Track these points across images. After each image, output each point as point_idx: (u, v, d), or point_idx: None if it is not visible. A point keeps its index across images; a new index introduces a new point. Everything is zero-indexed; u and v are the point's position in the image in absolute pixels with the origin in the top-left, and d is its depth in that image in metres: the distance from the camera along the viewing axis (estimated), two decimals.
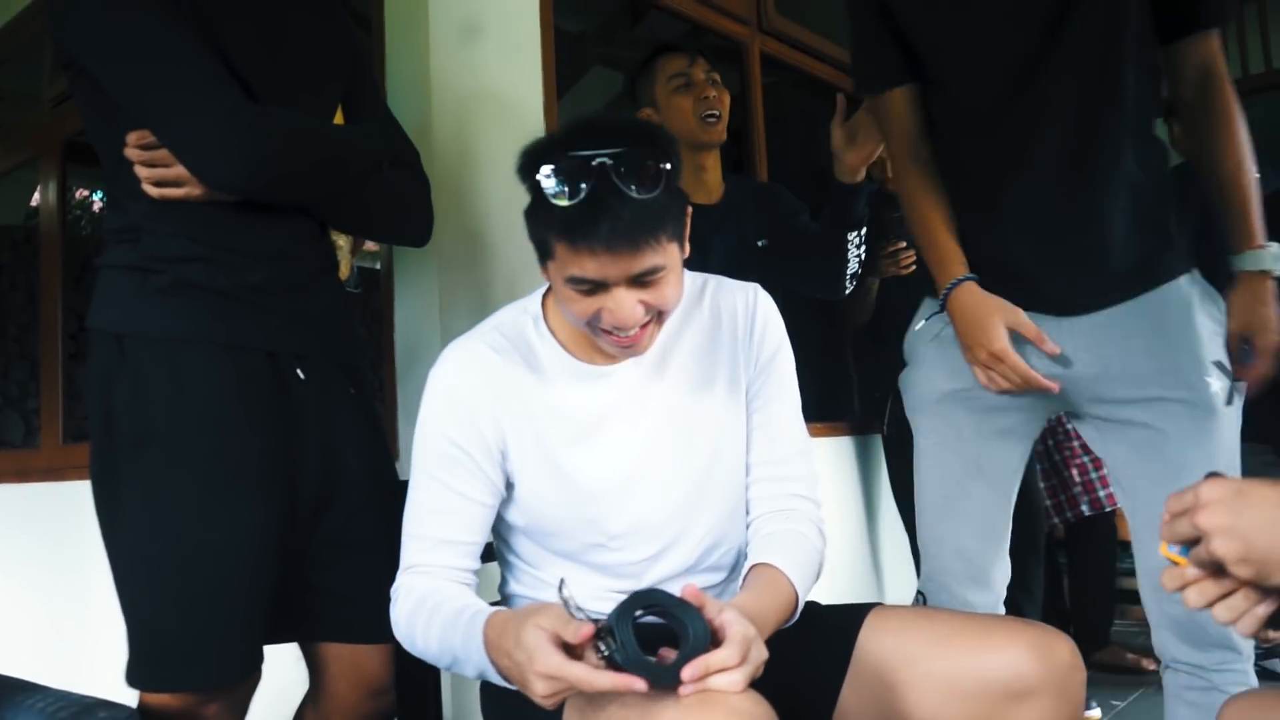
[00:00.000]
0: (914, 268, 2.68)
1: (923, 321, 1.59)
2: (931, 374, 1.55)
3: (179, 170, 1.25)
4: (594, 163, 1.05)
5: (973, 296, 1.41)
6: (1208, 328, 1.40)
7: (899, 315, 2.79)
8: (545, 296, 1.31)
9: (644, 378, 1.28)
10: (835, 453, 3.10)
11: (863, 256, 2.09)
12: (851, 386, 3.45)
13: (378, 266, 2.28)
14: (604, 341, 1.18)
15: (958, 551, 1.54)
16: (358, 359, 1.50)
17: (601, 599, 1.23)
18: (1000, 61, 1.40)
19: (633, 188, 1.05)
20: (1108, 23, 1.36)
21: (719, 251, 2.00)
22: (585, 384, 1.26)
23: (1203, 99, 1.40)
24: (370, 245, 2.25)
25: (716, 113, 1.98)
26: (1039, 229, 1.42)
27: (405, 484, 1.37)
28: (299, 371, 1.36)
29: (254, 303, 1.32)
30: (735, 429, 1.30)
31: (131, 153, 1.26)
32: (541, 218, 1.11)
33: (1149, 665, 3.15)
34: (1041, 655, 1.11)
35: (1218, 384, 1.37)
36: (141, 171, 1.27)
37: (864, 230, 2.03)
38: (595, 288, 1.10)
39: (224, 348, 1.29)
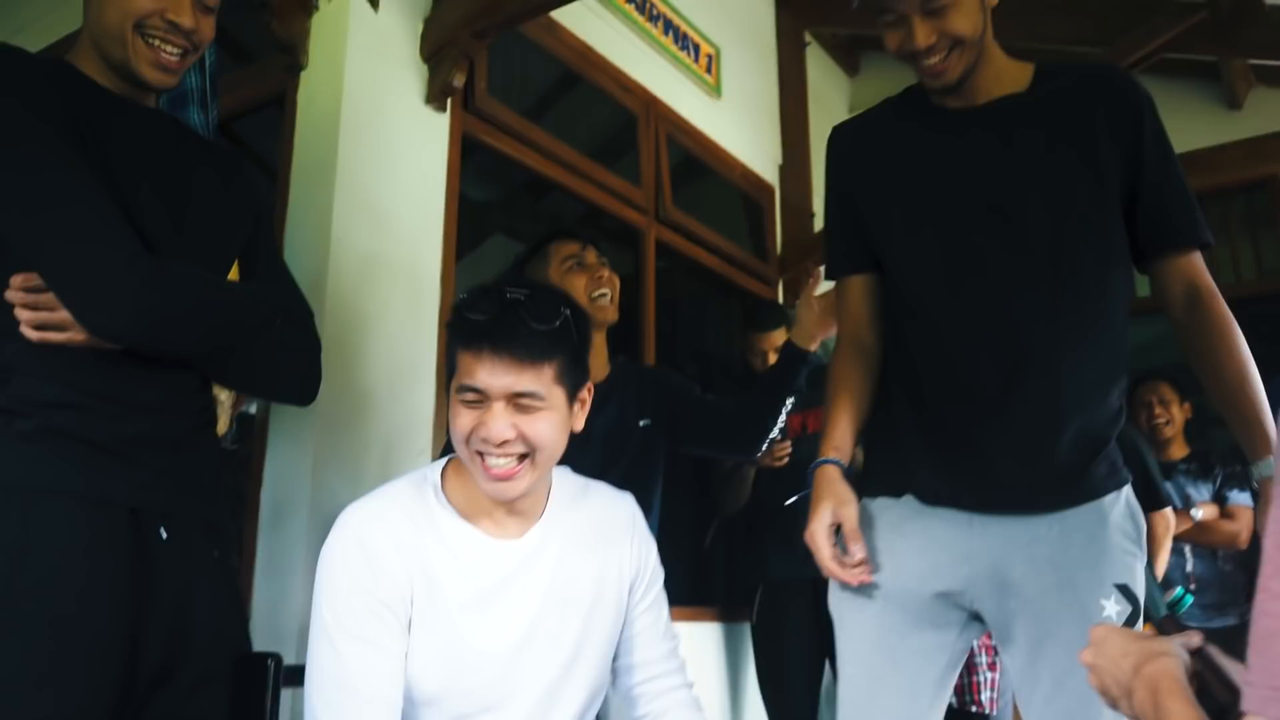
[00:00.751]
0: (787, 460, 2.76)
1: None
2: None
3: (63, 315, 1.20)
4: (508, 295, 1.22)
5: (823, 479, 1.43)
6: (1120, 547, 1.37)
7: (772, 505, 2.88)
8: (445, 469, 1.32)
9: (533, 557, 1.29)
10: (701, 639, 3.07)
11: (781, 423, 2.17)
12: (720, 572, 3.46)
13: (253, 411, 2.21)
14: (480, 474, 1.22)
15: None
16: (225, 520, 1.43)
17: None
18: (945, 268, 1.43)
19: (533, 320, 1.19)
20: (1073, 239, 1.37)
21: (600, 429, 2.02)
22: (481, 555, 1.26)
23: (1192, 317, 1.40)
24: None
25: (607, 293, 2.04)
26: (970, 433, 1.41)
27: (258, 655, 1.30)
28: (162, 530, 1.29)
29: (125, 455, 1.26)
30: (609, 622, 1.35)
31: (14, 295, 1.21)
32: (454, 331, 1.23)
33: None
34: None
35: (1114, 608, 1.34)
36: (22, 314, 1.21)
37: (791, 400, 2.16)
38: (478, 400, 1.19)
39: (85, 501, 1.21)
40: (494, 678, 1.25)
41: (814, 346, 2.08)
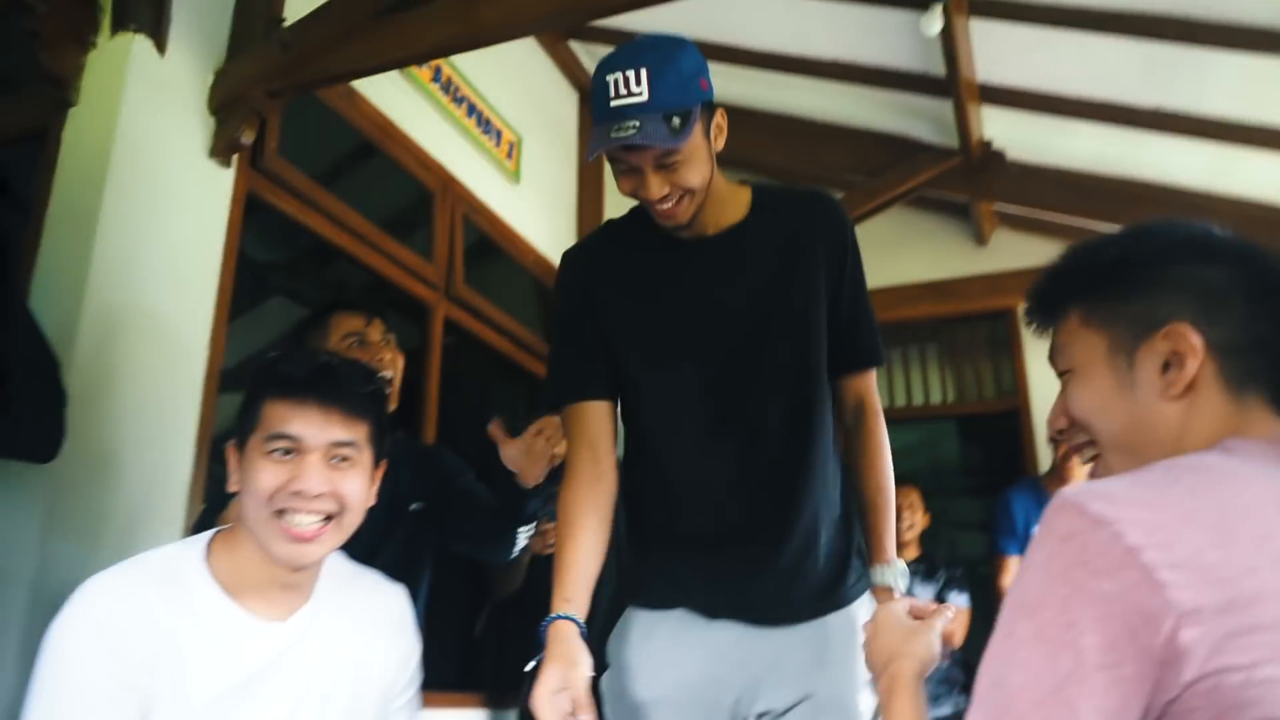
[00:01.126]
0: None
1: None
2: (633, 682, 1.51)
3: None
4: (323, 360, 1.25)
5: (554, 636, 1.35)
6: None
7: (547, 591, 2.86)
8: (211, 542, 1.24)
9: (298, 643, 1.23)
10: None
11: (532, 534, 2.11)
12: (489, 657, 3.38)
13: None
14: (278, 536, 1.17)
15: None
16: None
17: None
18: (704, 402, 1.46)
19: (353, 380, 1.24)
20: (801, 361, 1.47)
21: (371, 511, 1.95)
22: (243, 638, 1.19)
23: (858, 425, 1.54)
24: None
25: (388, 375, 1.98)
26: (728, 554, 1.47)
27: None
28: None
29: None
30: (364, 715, 1.31)
31: None
32: (267, 383, 1.20)
33: None
34: None
35: (865, 702, 1.44)
36: None
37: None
38: (290, 451, 1.17)
39: None
40: None
41: (535, 483, 1.97)
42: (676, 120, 1.33)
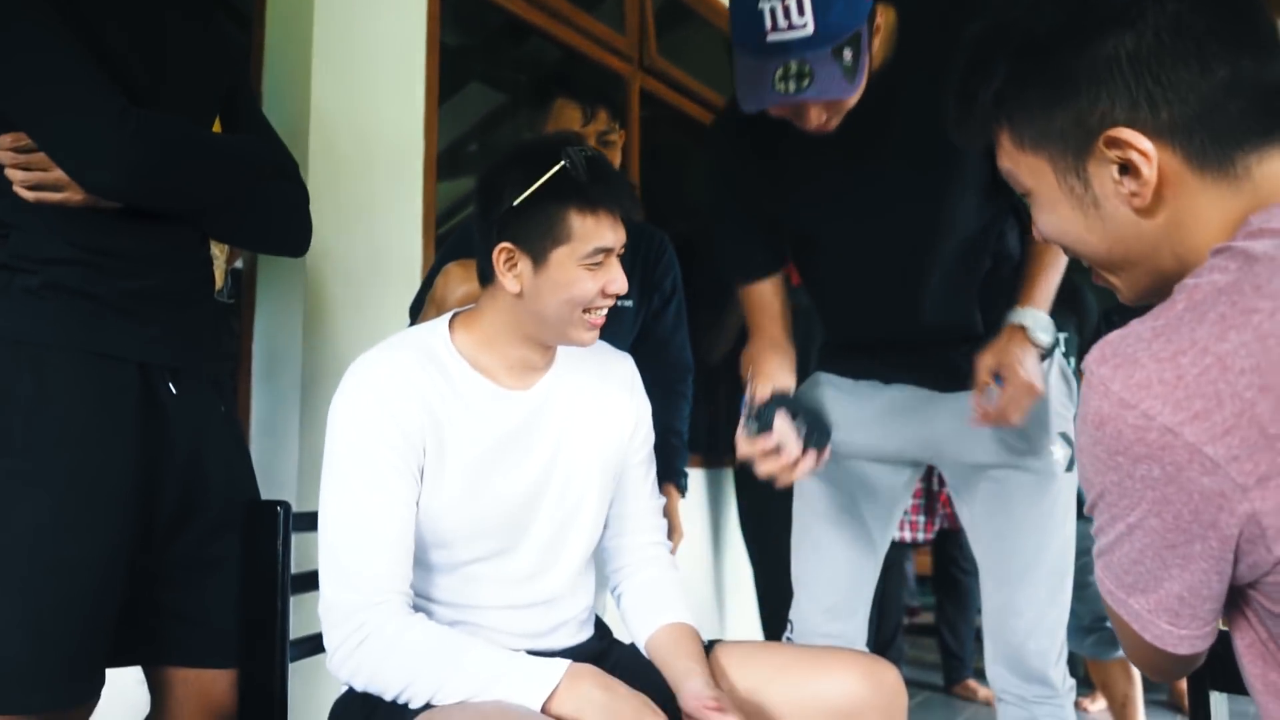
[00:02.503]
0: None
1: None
2: None
3: (58, 174, 1.19)
4: (589, 154, 1.24)
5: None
6: (1059, 403, 1.55)
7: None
8: (451, 324, 1.33)
9: (542, 407, 1.34)
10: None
11: None
12: (703, 418, 3.55)
13: (239, 265, 2.20)
14: (581, 328, 1.28)
15: (829, 587, 1.66)
16: (226, 374, 1.46)
17: (496, 608, 1.30)
18: (865, 240, 1.48)
19: (627, 188, 1.26)
20: (965, 191, 1.43)
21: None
22: (494, 406, 1.30)
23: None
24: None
25: None
26: (904, 333, 1.57)
27: (268, 503, 1.35)
28: (171, 386, 1.31)
29: (131, 311, 1.27)
30: (610, 470, 1.41)
31: (4, 156, 1.19)
32: (559, 196, 1.21)
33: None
34: (870, 681, 1.26)
35: (1060, 452, 1.52)
36: (15, 175, 1.19)
37: None
38: (604, 257, 1.24)
39: (94, 356, 1.23)
40: (506, 523, 1.31)
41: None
42: (848, 54, 1.18)
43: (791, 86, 1.17)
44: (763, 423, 1.34)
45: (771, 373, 1.48)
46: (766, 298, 1.57)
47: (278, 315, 2.10)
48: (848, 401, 1.63)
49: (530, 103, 2.04)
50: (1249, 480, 0.63)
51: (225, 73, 1.47)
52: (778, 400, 1.35)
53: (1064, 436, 1.55)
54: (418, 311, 1.82)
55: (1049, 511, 1.54)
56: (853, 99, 1.27)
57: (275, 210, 1.46)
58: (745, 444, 1.36)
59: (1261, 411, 0.62)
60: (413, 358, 1.27)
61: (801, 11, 1.15)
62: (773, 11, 1.16)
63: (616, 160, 2.03)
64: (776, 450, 1.33)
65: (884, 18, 1.30)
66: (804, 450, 1.33)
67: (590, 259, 1.23)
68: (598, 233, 1.23)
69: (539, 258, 1.23)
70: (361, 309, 2.17)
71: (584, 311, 1.27)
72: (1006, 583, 1.56)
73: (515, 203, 1.22)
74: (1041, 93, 0.77)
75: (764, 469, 1.34)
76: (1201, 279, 0.69)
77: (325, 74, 2.11)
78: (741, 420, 1.38)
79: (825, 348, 1.73)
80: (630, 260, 2.08)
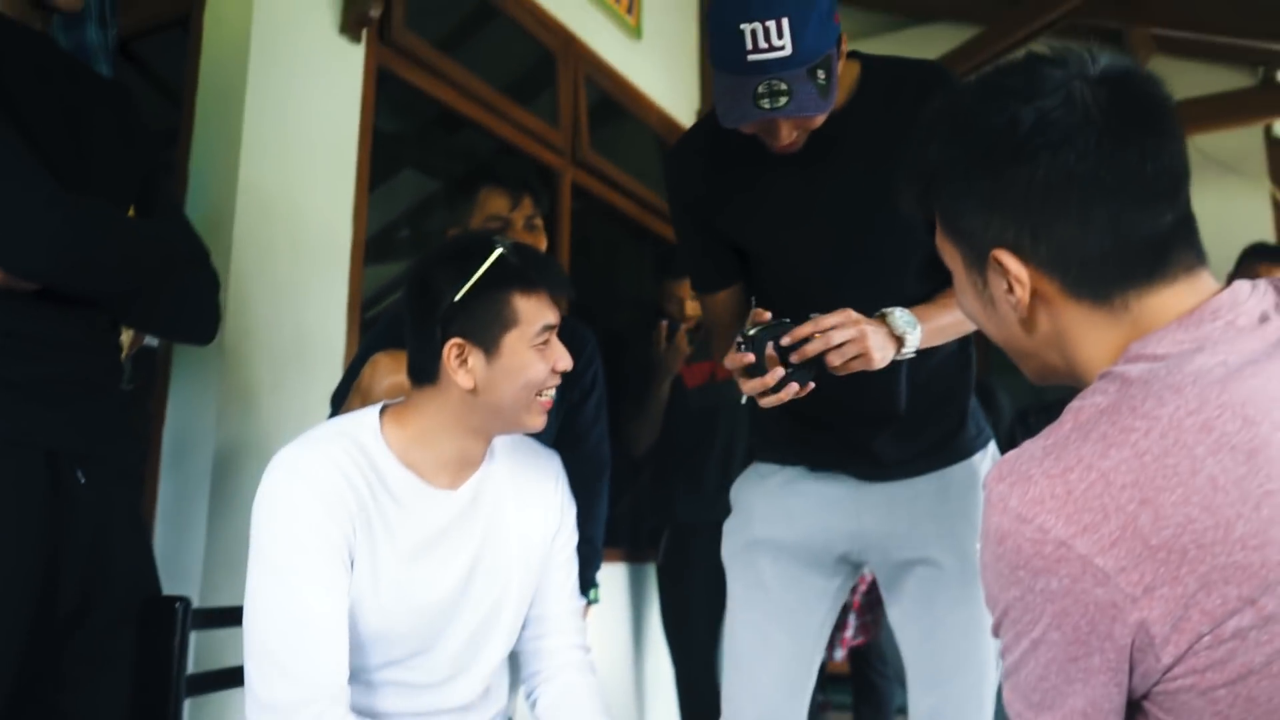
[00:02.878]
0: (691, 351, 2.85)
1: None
2: (748, 522, 1.63)
3: None
4: (516, 242, 1.30)
5: None
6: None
7: (682, 447, 2.93)
8: (382, 418, 1.30)
9: (470, 507, 1.32)
10: (607, 579, 3.13)
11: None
12: (626, 512, 3.52)
13: (155, 345, 2.14)
14: (535, 412, 1.28)
15: (756, 702, 1.59)
16: (136, 463, 1.41)
17: (403, 718, 1.26)
18: (818, 274, 1.49)
19: (559, 270, 1.33)
20: (909, 238, 1.42)
21: None
22: (423, 504, 1.28)
23: None
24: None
25: None
26: (851, 411, 1.52)
27: (167, 598, 1.28)
28: (79, 474, 1.26)
29: (42, 396, 1.23)
30: (531, 571, 1.39)
31: None
32: (501, 283, 1.24)
33: None
34: None
35: None
36: None
37: None
38: (549, 335, 1.27)
39: (2, 443, 1.19)
40: (428, 623, 1.27)
41: None
42: (821, 74, 1.26)
43: (772, 104, 1.24)
44: (751, 345, 1.32)
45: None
46: (721, 306, 1.62)
47: (191, 400, 2.04)
48: (779, 495, 1.62)
49: (456, 193, 2.06)
50: (1137, 590, 0.66)
51: (144, 158, 1.47)
52: (772, 328, 1.32)
53: None
54: (341, 400, 1.78)
55: (977, 614, 1.51)
56: (820, 118, 1.34)
57: (188, 297, 1.46)
58: (730, 358, 1.35)
59: (1143, 524, 0.66)
60: (342, 451, 1.24)
61: (780, 34, 1.22)
62: (753, 33, 1.23)
63: (542, 246, 2.04)
64: (760, 371, 1.31)
65: (847, 69, 1.42)
66: (786, 379, 1.31)
67: (539, 339, 1.26)
68: (542, 312, 1.26)
69: (490, 347, 1.23)
70: (281, 395, 2.12)
71: (537, 394, 1.28)
72: (935, 685, 1.53)
73: (458, 297, 1.22)
74: (955, 197, 0.82)
75: (746, 387, 1.33)
76: (1086, 401, 0.74)
77: (255, 154, 2.09)
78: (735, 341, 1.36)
79: (755, 436, 1.73)
80: None
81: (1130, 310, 0.77)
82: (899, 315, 1.37)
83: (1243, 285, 0.77)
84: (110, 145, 1.39)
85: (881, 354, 1.33)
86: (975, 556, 1.48)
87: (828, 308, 1.43)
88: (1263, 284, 0.78)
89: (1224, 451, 0.66)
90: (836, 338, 1.29)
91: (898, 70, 1.47)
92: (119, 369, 1.40)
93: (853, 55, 1.45)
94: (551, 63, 3.23)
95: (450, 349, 1.22)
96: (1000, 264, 0.78)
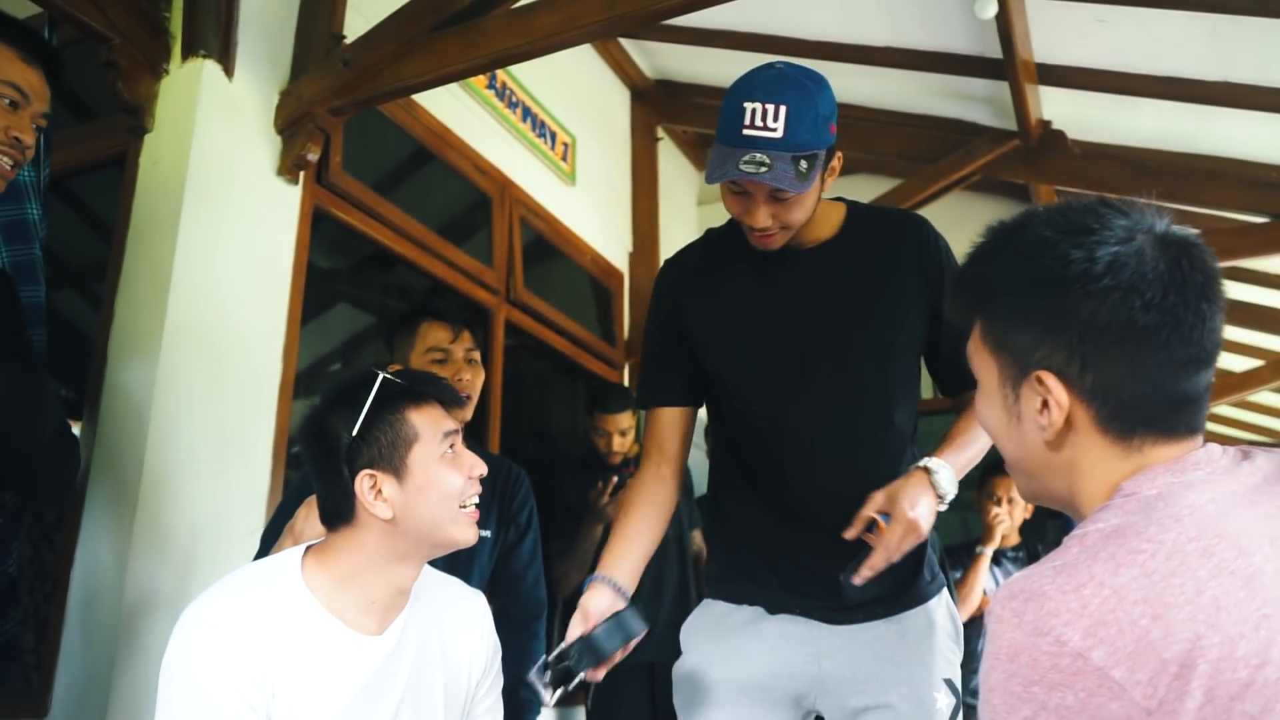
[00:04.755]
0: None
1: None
2: (705, 663, 1.56)
3: None
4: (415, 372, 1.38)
5: (592, 597, 1.42)
6: (946, 647, 1.53)
7: None
8: (304, 561, 1.27)
9: (395, 654, 1.28)
10: None
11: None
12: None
13: None
14: (465, 524, 1.28)
15: None
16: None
17: None
18: (778, 407, 1.51)
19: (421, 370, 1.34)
20: (881, 379, 1.51)
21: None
22: (345, 654, 1.23)
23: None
24: None
25: (468, 394, 1.99)
26: (797, 557, 1.53)
27: None
28: None
29: None
30: (454, 712, 1.36)
31: None
32: (391, 406, 1.26)
33: None
34: None
35: (944, 700, 1.49)
36: None
37: None
38: (454, 440, 1.29)
39: None
40: None
41: None
42: (804, 164, 1.36)
43: (751, 169, 1.34)
44: (554, 679, 1.32)
45: (609, 561, 1.45)
46: (666, 427, 1.61)
47: (103, 541, 1.96)
48: (737, 634, 1.56)
49: (395, 327, 2.07)
50: (1151, 703, 0.67)
51: (22, 327, 1.56)
52: (573, 659, 1.32)
53: (948, 683, 1.52)
54: (271, 540, 1.73)
55: None
56: (797, 217, 1.44)
57: (64, 461, 1.49)
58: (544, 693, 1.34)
59: (1156, 638, 0.68)
60: (258, 601, 1.20)
61: (776, 119, 1.35)
62: (753, 111, 1.36)
63: (480, 381, 2.05)
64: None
65: (834, 209, 1.56)
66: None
67: (444, 448, 1.26)
68: (439, 421, 1.27)
69: (399, 469, 1.23)
70: (196, 540, 2.05)
71: (460, 507, 1.27)
72: None
73: (355, 430, 1.22)
74: (1010, 314, 0.86)
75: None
76: (1089, 529, 0.78)
77: (184, 292, 2.09)
78: (545, 658, 1.35)
79: (711, 572, 1.67)
80: (489, 493, 2.06)
81: (1142, 453, 0.82)
82: (944, 476, 1.42)
83: (1213, 446, 0.83)
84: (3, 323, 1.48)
85: (929, 523, 1.39)
86: (931, 703, 1.48)
87: (792, 434, 1.50)
88: (1231, 450, 0.84)
89: (1224, 576, 0.70)
90: (906, 546, 1.37)
91: (881, 214, 1.61)
92: (13, 524, 1.39)
93: (839, 199, 1.58)
94: (488, 205, 3.32)
95: (361, 482, 1.22)
96: (1044, 384, 0.83)
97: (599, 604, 1.38)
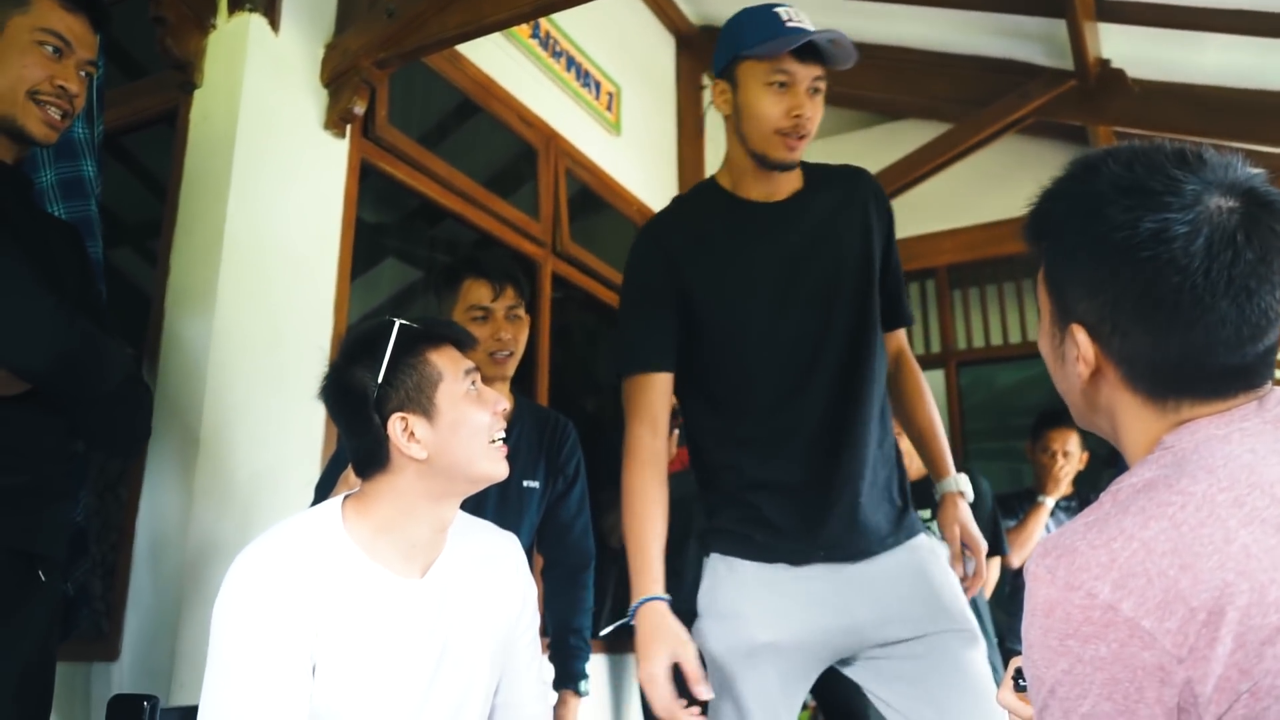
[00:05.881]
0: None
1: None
2: (744, 624, 1.54)
3: None
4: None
5: (652, 619, 1.42)
6: (945, 568, 1.60)
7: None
8: (344, 510, 1.30)
9: (435, 596, 1.30)
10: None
11: None
12: (602, 602, 3.47)
13: None
14: (496, 459, 1.31)
15: None
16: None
17: None
18: (785, 350, 1.56)
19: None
20: (862, 316, 1.60)
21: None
22: (387, 597, 1.26)
23: (900, 373, 1.75)
24: None
25: (509, 351, 2.00)
26: (805, 493, 1.54)
27: (133, 698, 1.26)
28: (40, 573, 1.27)
29: (14, 504, 1.29)
30: (498, 654, 1.38)
31: None
32: (411, 350, 1.29)
33: None
34: None
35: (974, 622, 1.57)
36: None
37: None
38: (475, 377, 1.32)
39: None
40: (399, 713, 1.25)
41: None
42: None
43: (824, 31, 1.46)
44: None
45: (657, 574, 1.47)
46: (658, 392, 1.57)
47: (166, 492, 2.02)
48: (764, 596, 1.53)
49: (440, 283, 2.07)
50: (1182, 651, 0.68)
51: (91, 289, 1.59)
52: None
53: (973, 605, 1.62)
54: (327, 489, 1.76)
55: (978, 675, 1.50)
56: (819, 120, 1.55)
57: (133, 410, 1.53)
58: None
59: (1184, 587, 0.69)
60: (303, 549, 1.23)
61: (806, 22, 1.51)
62: (787, 12, 1.50)
63: (524, 336, 2.05)
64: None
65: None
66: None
67: (466, 384, 1.29)
68: (458, 360, 1.31)
69: (429, 409, 1.25)
70: (257, 486, 2.10)
71: (489, 441, 1.29)
72: None
73: (380, 378, 1.25)
74: (1058, 261, 0.87)
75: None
76: (1123, 484, 0.79)
77: (237, 247, 2.12)
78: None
79: (715, 522, 1.62)
80: (536, 443, 2.08)
81: (1180, 412, 0.82)
82: (959, 480, 1.68)
83: (1276, 392, 0.82)
84: (69, 274, 1.51)
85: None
86: (969, 620, 1.54)
87: (798, 367, 1.55)
88: None
89: (1255, 524, 0.70)
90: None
91: (830, 169, 1.70)
92: (72, 477, 1.45)
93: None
94: (533, 157, 3.31)
95: (394, 425, 1.24)
96: (1074, 338, 0.84)
97: (681, 628, 1.43)
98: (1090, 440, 3.67)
